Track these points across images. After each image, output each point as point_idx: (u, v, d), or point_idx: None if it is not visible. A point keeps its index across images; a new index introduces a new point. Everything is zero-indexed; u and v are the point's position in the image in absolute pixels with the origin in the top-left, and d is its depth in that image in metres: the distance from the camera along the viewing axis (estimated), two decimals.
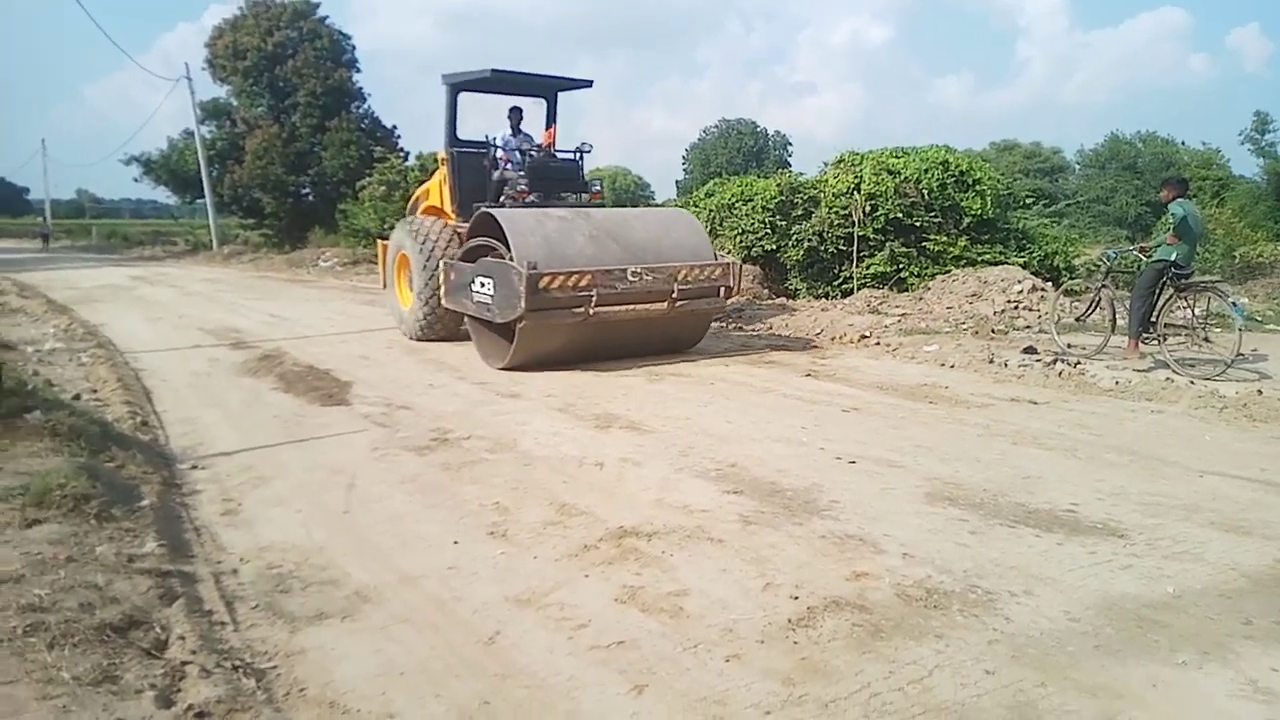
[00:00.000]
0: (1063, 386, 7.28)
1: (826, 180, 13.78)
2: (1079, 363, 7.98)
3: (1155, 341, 7.97)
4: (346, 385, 7.49)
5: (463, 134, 10.21)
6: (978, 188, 13.00)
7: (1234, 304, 7.87)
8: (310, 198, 33.36)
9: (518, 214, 8.24)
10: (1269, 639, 2.95)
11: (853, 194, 12.83)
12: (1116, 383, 7.23)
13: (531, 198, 9.20)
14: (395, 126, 34.34)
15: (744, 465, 5.04)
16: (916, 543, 3.84)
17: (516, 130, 10.15)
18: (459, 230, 9.74)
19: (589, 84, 10.57)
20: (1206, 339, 7.86)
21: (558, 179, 9.77)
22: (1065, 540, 3.85)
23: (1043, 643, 2.95)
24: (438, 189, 10.60)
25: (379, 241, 12.30)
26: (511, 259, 7.63)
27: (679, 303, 8.21)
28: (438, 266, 9.27)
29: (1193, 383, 7.13)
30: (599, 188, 10.41)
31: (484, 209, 8.64)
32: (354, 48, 34.22)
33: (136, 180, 36.47)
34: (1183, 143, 43.20)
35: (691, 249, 8.67)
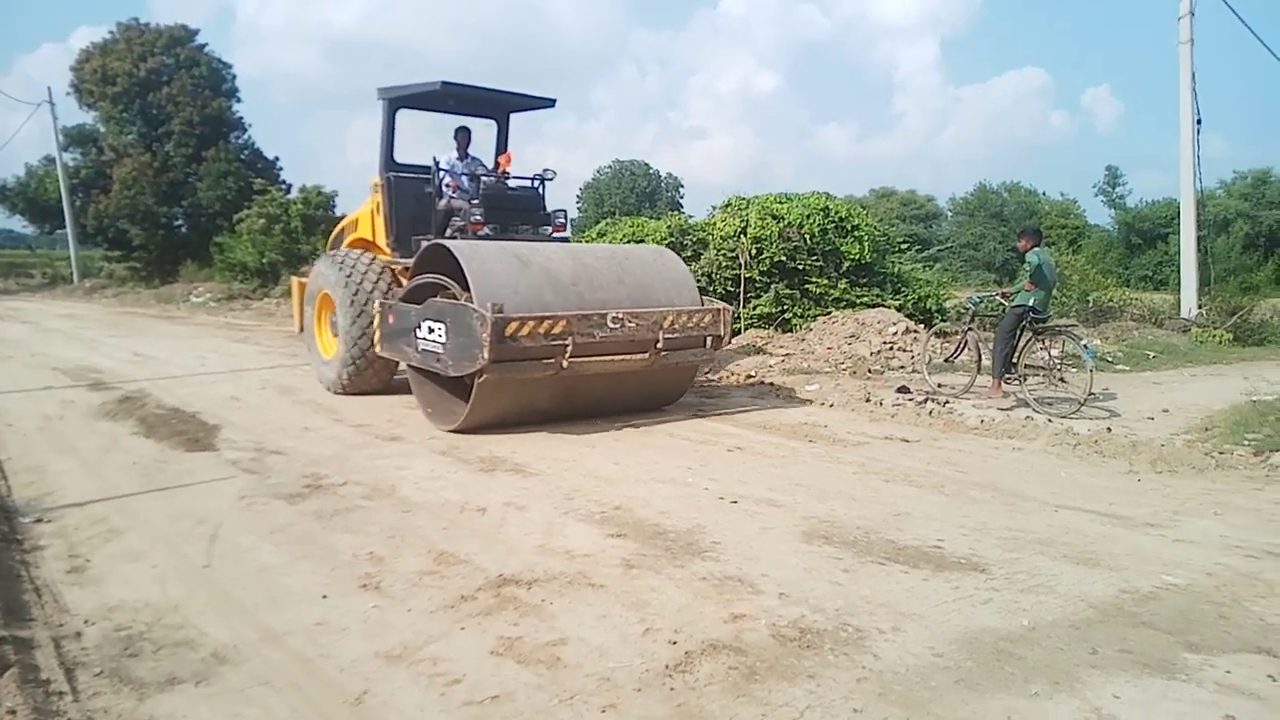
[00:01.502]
0: (933, 425, 7.62)
1: (714, 223, 14.14)
2: (948, 402, 8.38)
3: (1016, 381, 8.45)
4: (214, 429, 7.13)
5: (400, 157, 9.09)
6: (856, 233, 13.59)
7: (1086, 346, 8.44)
8: (183, 230, 32.00)
9: (477, 247, 7.13)
10: (1112, 667, 3.13)
11: (739, 237, 13.19)
12: (981, 421, 7.62)
13: (486, 230, 8.15)
14: (278, 158, 33.46)
15: (628, 507, 5.04)
16: (792, 582, 3.91)
17: (464, 154, 9.09)
18: (393, 266, 8.74)
19: (551, 103, 9.44)
20: (1062, 379, 8.40)
21: (516, 209, 8.68)
22: (931, 576, 4.00)
23: (908, 679, 3.04)
24: (369, 219, 9.39)
25: (294, 279, 10.95)
26: (470, 300, 6.61)
27: (663, 353, 7.21)
28: (371, 308, 8.18)
29: (1050, 421, 7.58)
30: (562, 219, 9.14)
31: (433, 241, 7.57)
32: (234, 76, 33.33)
33: None
34: (1044, 193, 46.54)
35: (675, 292, 7.71)
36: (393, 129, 8.89)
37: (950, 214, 48.87)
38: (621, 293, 7.30)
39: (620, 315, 6.91)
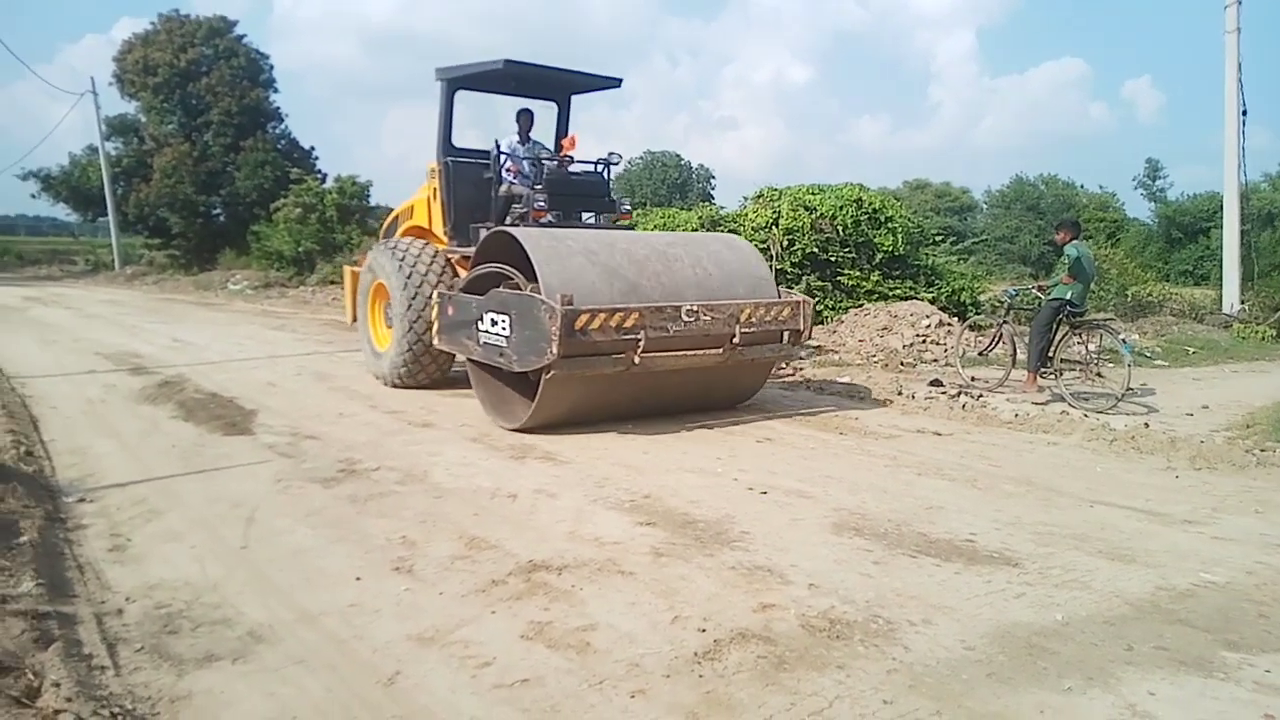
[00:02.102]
0: (965, 418, 7.54)
1: (746, 214, 14.07)
2: (981, 395, 8.28)
3: (1052, 376, 8.34)
4: (251, 414, 7.24)
5: (457, 141, 8.64)
6: (889, 225, 13.46)
7: (1124, 341, 8.30)
8: (221, 218, 32.48)
9: (543, 235, 6.71)
10: (1148, 664, 3.09)
11: (771, 228, 13.12)
12: (1016, 415, 7.53)
13: (548, 217, 7.80)
14: (313, 148, 33.83)
15: (658, 496, 5.05)
16: (822, 573, 3.90)
17: (525, 137, 8.70)
18: (450, 256, 8.43)
19: (617, 83, 8.89)
20: (1099, 374, 8.27)
21: (579, 195, 8.32)
22: (963, 570, 3.97)
23: (939, 671, 3.02)
24: (424, 206, 9.00)
25: (346, 269, 10.55)
26: (537, 291, 6.25)
27: (740, 349, 6.79)
28: (428, 299, 7.89)
29: (1086, 416, 7.47)
30: (628, 207, 8.69)
31: (496, 228, 7.22)
32: (272, 67, 33.68)
33: (34, 196, 34.85)
34: (1081, 186, 45.67)
35: (752, 283, 7.22)
36: (451, 111, 8.53)
37: (986, 206, 48.18)
38: (695, 284, 6.87)
39: (695, 308, 6.50)
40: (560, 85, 8.92)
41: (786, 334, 7.15)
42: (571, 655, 3.12)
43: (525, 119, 8.70)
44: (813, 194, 13.88)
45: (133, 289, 27.13)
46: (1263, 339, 13.79)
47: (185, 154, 30.55)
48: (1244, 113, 15.14)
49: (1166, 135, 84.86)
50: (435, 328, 7.50)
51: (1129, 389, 8.02)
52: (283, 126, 33.60)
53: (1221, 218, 16.46)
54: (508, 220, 7.92)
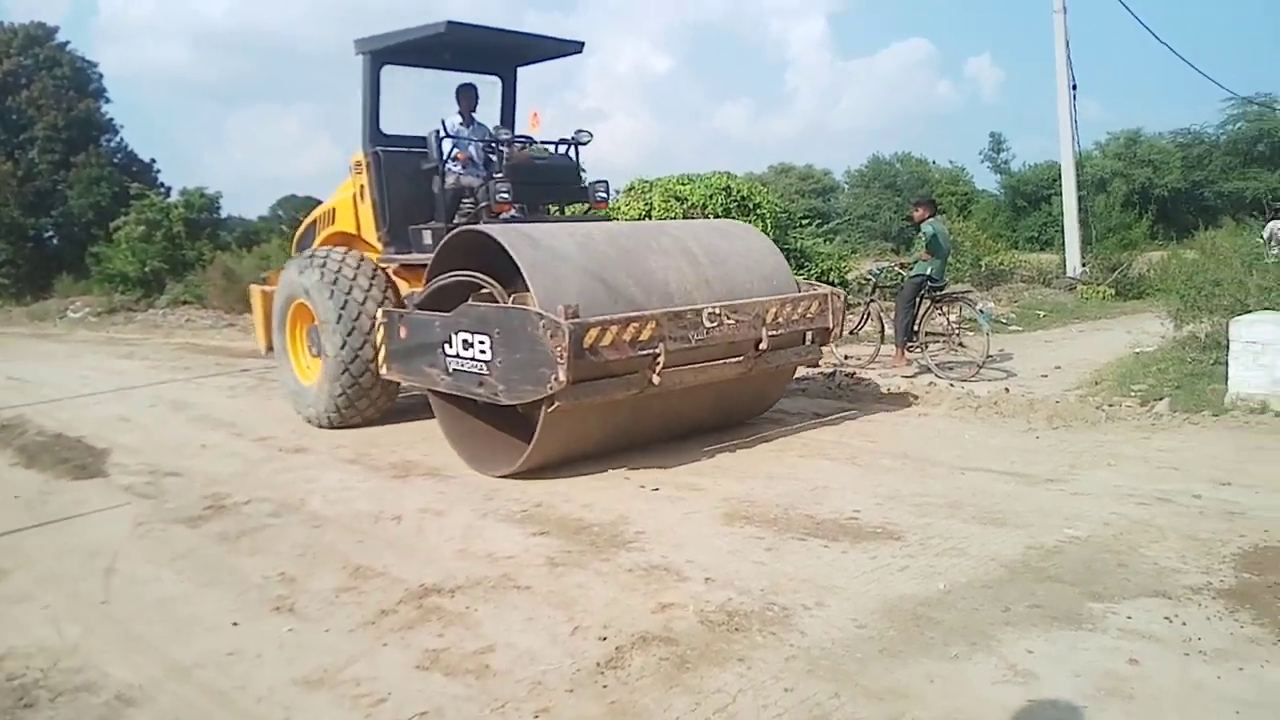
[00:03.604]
0: (842, 396, 7.79)
1: (619, 207, 14.10)
2: (854, 373, 8.58)
3: (919, 349, 8.72)
4: (103, 453, 6.72)
5: (386, 127, 7.28)
6: (758, 210, 13.74)
7: (981, 311, 8.77)
8: (54, 241, 30.11)
9: (522, 232, 5.57)
10: (1024, 623, 3.26)
11: (644, 220, 13.17)
12: (888, 390, 7.83)
13: (513, 210, 6.58)
14: (154, 160, 31.83)
15: (549, 503, 4.98)
16: (717, 565, 3.93)
17: (469, 119, 7.33)
18: (386, 265, 7.21)
19: (578, 48, 7.66)
20: (961, 344, 8.70)
21: (546, 183, 7.10)
22: (850, 548, 4.09)
23: (834, 653, 3.09)
24: (349, 208, 7.60)
25: (253, 288, 9.19)
26: (524, 302, 5.29)
27: (764, 355, 5.87)
28: (365, 320, 6.74)
29: (952, 385, 7.85)
30: (604, 193, 7.47)
31: (463, 227, 5.96)
32: (101, 75, 31.41)
33: None
34: (934, 162, 48.07)
35: (769, 276, 6.30)
36: (378, 90, 7.19)
37: (847, 186, 50.03)
38: (710, 282, 5.91)
39: (718, 311, 5.52)
40: (510, 54, 7.80)
41: (810, 333, 6.29)
42: (470, 681, 3.03)
43: (468, 96, 7.34)
44: (683, 184, 14.02)
45: None
46: (1103, 298, 14.87)
47: (8, 174, 28.09)
48: (1074, 87, 16.25)
49: (1007, 110, 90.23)
50: (382, 354, 6.31)
51: (989, 356, 8.48)
52: (118, 139, 31.45)
53: (1060, 186, 17.64)
54: (458, 218, 6.80)
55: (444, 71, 7.55)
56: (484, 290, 5.58)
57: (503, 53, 7.72)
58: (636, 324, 5.13)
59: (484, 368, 5.31)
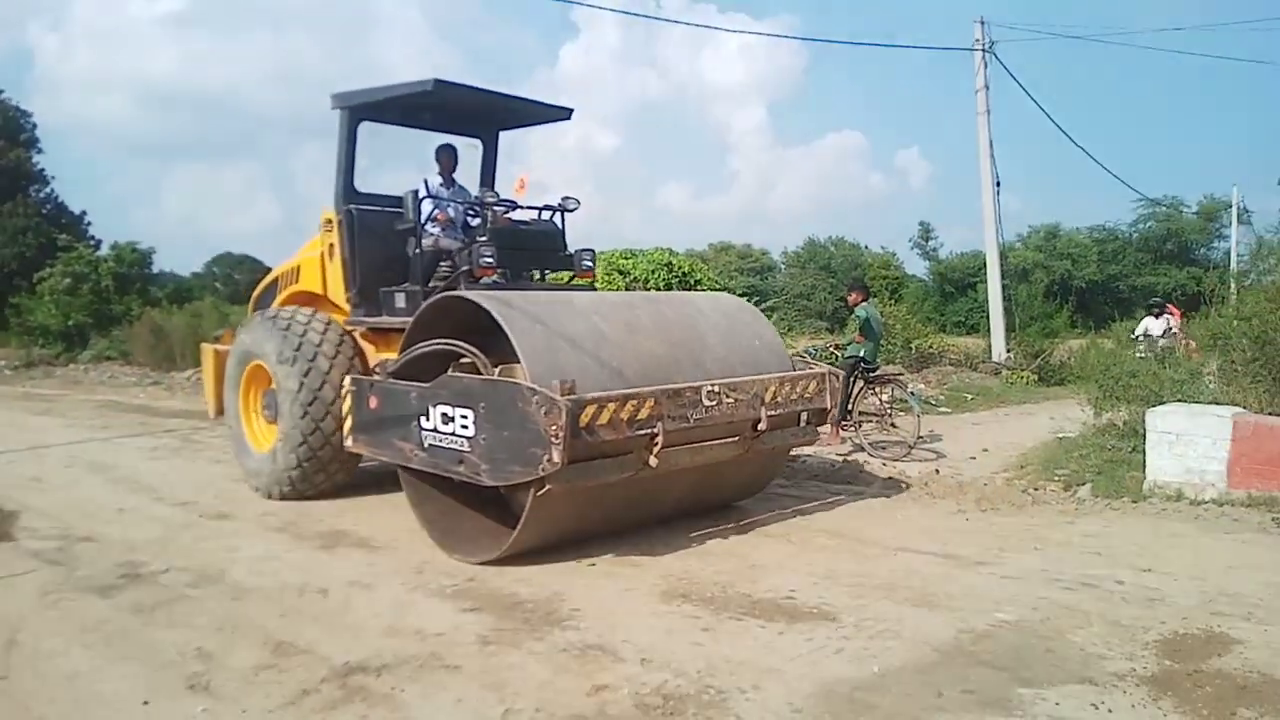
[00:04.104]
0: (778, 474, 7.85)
1: (562, 279, 14.21)
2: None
3: (853, 428, 8.89)
4: (12, 515, 6.38)
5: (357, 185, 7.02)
6: (699, 287, 14.02)
7: (912, 393, 9.02)
8: None
9: (513, 300, 5.26)
10: (956, 708, 3.28)
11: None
12: (822, 468, 7.93)
13: (494, 276, 6.34)
14: (85, 212, 31.16)
15: (482, 578, 4.87)
16: (654, 646, 3.88)
17: (450, 180, 7.22)
18: (353, 329, 6.91)
19: (567, 114, 7.51)
20: (893, 424, 8.91)
21: (529, 249, 6.86)
22: (786, 629, 4.08)
23: None
24: (315, 267, 7.27)
25: (205, 347, 8.77)
26: (511, 374, 4.96)
27: (763, 435, 5.63)
28: (328, 384, 6.44)
29: (884, 464, 8.00)
30: (589, 262, 7.17)
31: (449, 293, 5.67)
32: (34, 125, 30.79)
33: None
34: (866, 246, 49.93)
35: (765, 354, 6.09)
36: (354, 148, 6.98)
37: (784, 266, 51.44)
38: (707, 359, 5.67)
39: (717, 389, 5.28)
40: (495, 117, 7.63)
41: (805, 414, 6.04)
42: None
43: (448, 157, 7.23)
44: (625, 258, 14.26)
45: None
46: (1027, 383, 15.42)
47: None
48: (998, 184, 17.13)
49: (935, 200, 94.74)
50: (348, 425, 5.93)
51: (920, 437, 8.69)
52: (48, 189, 30.75)
53: (985, 274, 18.40)
54: (433, 282, 6.51)
55: (423, 131, 7.40)
56: (465, 360, 5.25)
57: (488, 115, 7.53)
58: (634, 402, 4.83)
59: (465, 444, 4.93)
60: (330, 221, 7.01)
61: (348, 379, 6.00)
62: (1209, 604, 4.33)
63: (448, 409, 5.04)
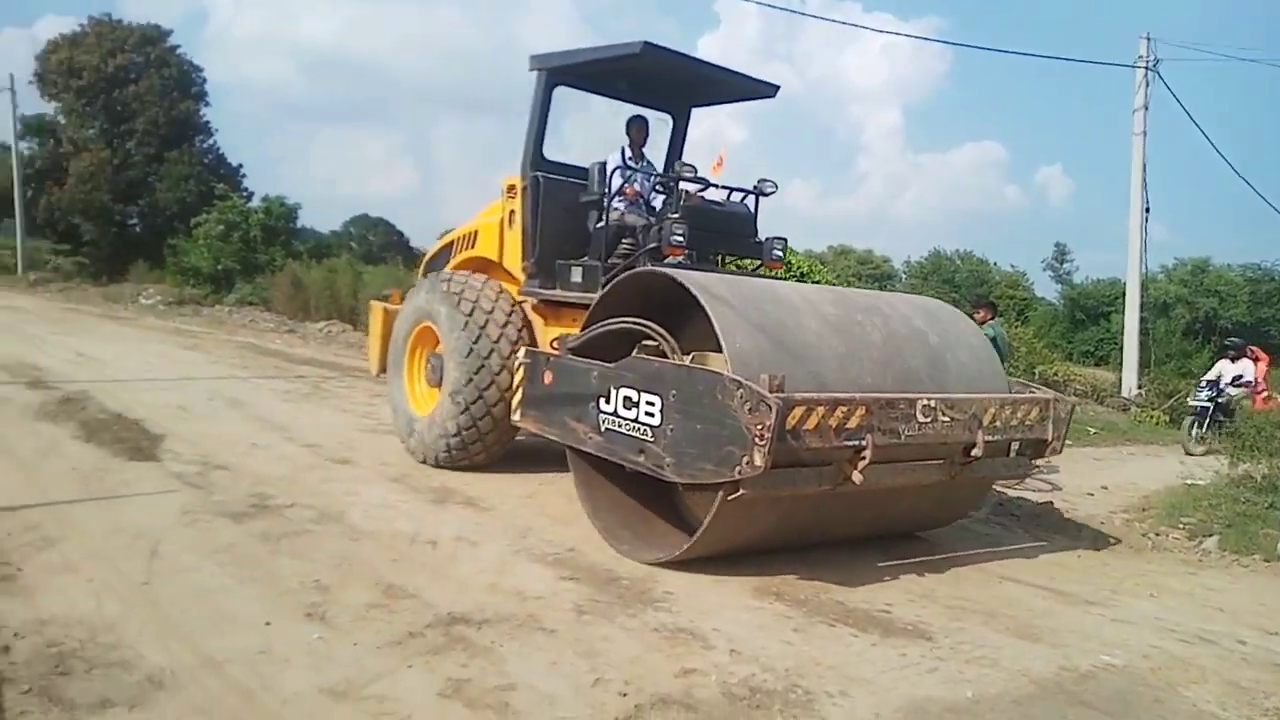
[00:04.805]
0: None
1: (747, 266, 14.29)
2: None
3: None
4: (158, 439, 6.94)
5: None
6: None
7: None
8: (137, 229, 31.39)
9: (716, 283, 4.79)
10: None
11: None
12: None
13: (681, 257, 5.91)
14: (241, 165, 33.15)
15: (582, 550, 5.01)
16: (744, 639, 3.92)
17: (639, 155, 6.89)
18: (526, 300, 6.76)
19: (773, 92, 7.05)
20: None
21: (720, 231, 6.47)
22: (879, 641, 4.04)
23: None
24: (493, 233, 7.14)
25: (374, 304, 8.70)
26: (704, 362, 4.57)
27: (973, 463, 4.95)
28: (496, 356, 6.33)
29: (995, 490, 7.73)
30: (779, 251, 6.71)
31: (648, 268, 5.33)
32: (204, 80, 32.91)
33: None
34: (994, 263, 47.93)
35: (979, 370, 5.38)
36: (547, 111, 6.72)
37: (905, 276, 50.02)
38: (917, 369, 5.02)
39: (933, 404, 4.66)
40: (695, 90, 7.19)
41: (1017, 444, 5.37)
42: (490, 716, 3.05)
43: (639, 129, 6.88)
44: None
45: (35, 296, 25.79)
46: (1157, 423, 14.57)
47: (105, 160, 29.49)
48: (1147, 210, 16.21)
49: (1074, 221, 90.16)
50: (517, 398, 5.76)
51: (1036, 466, 8.33)
52: (211, 141, 32.89)
53: (1122, 303, 17.49)
54: (627, 261, 6.11)
55: (617, 101, 7.14)
56: (649, 343, 4.90)
57: (688, 87, 7.10)
58: (845, 408, 4.32)
59: (649, 433, 4.56)
60: (514, 188, 6.84)
61: (521, 351, 5.87)
62: None
63: (632, 393, 4.68)
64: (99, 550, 4.40)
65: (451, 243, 7.91)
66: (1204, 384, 12.48)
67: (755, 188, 6.63)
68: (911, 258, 51.05)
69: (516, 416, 5.81)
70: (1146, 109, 16.12)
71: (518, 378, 5.76)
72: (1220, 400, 11.83)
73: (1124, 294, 17.56)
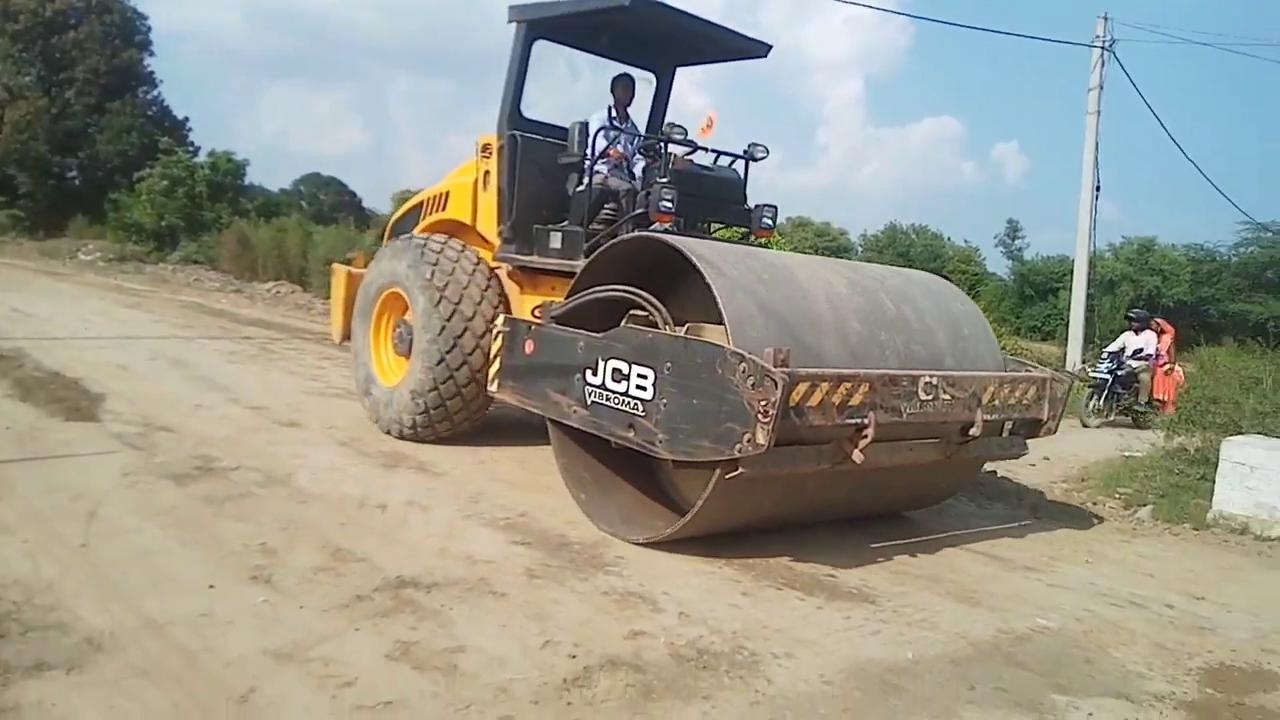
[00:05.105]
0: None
1: (734, 235, 14.24)
2: None
3: None
4: (98, 398, 6.76)
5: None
6: None
7: None
8: (76, 182, 30.34)
9: (716, 250, 4.63)
10: (987, 704, 3.29)
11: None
12: None
13: (669, 223, 5.63)
14: (188, 118, 32.11)
15: (534, 515, 5.01)
16: (693, 602, 3.96)
17: (624, 115, 6.59)
18: (500, 266, 6.47)
19: (764, 51, 6.74)
20: None
21: (708, 197, 6.19)
22: (825, 604, 4.12)
23: (799, 705, 3.12)
24: (466, 195, 6.76)
25: (337, 268, 8.30)
26: (698, 333, 4.38)
27: (969, 443, 4.89)
28: (465, 323, 6.05)
29: None
30: (769, 219, 6.51)
31: (643, 233, 5.03)
32: (149, 29, 31.74)
33: None
34: (949, 238, 48.61)
35: (977, 347, 5.29)
36: (525, 66, 6.36)
37: (860, 249, 50.47)
38: (915, 345, 4.89)
39: (935, 381, 4.54)
40: (683, 48, 6.82)
41: (1011, 423, 5.34)
42: (438, 678, 3.05)
43: (624, 88, 6.53)
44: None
45: None
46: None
47: (42, 109, 28.35)
48: (1098, 188, 16.51)
49: (1028, 198, 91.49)
50: (495, 368, 5.47)
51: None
52: (155, 92, 31.82)
53: (1070, 280, 17.86)
54: (609, 226, 5.92)
55: (599, 58, 6.83)
56: (639, 313, 4.68)
57: (676, 44, 6.71)
58: (849, 385, 4.14)
59: (640, 407, 4.33)
60: (488, 147, 6.47)
61: (500, 318, 5.56)
62: (1261, 639, 4.23)
63: (622, 365, 4.46)
64: (35, 512, 4.28)
65: (420, 204, 7.51)
66: (1106, 355, 12.41)
67: (746, 152, 6.40)
68: (868, 231, 51.58)
69: (494, 388, 5.52)
70: (1101, 89, 16.35)
71: (495, 346, 5.48)
72: (1120, 373, 11.97)
73: (1072, 271, 17.95)
